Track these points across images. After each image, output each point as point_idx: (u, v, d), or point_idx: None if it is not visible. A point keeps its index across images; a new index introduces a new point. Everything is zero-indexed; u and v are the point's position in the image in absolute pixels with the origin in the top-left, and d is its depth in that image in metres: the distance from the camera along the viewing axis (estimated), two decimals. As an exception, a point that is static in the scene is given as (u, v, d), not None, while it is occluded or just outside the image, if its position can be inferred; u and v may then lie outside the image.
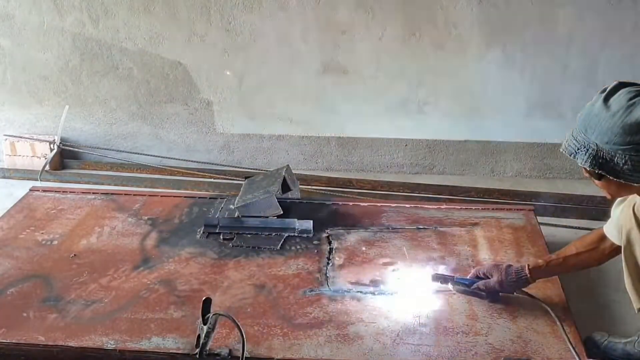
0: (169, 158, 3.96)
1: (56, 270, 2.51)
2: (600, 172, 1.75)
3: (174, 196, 3.20)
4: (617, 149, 1.70)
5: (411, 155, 3.92)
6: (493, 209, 2.96)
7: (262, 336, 2.11)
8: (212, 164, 3.96)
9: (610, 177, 1.75)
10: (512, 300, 2.25)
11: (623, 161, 1.70)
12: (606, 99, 1.73)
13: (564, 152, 1.83)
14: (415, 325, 2.15)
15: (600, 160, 1.73)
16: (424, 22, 3.57)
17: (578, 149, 1.77)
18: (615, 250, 2.08)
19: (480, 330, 2.12)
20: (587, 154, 1.75)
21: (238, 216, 2.81)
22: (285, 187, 2.89)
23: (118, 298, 2.33)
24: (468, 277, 2.30)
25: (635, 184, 1.74)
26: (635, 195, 1.89)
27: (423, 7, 3.54)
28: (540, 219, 2.91)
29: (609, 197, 1.93)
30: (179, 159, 3.95)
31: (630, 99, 1.69)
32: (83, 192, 3.19)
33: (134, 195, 3.17)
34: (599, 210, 3.25)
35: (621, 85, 1.75)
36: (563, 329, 2.09)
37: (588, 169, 1.78)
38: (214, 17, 3.70)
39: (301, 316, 2.21)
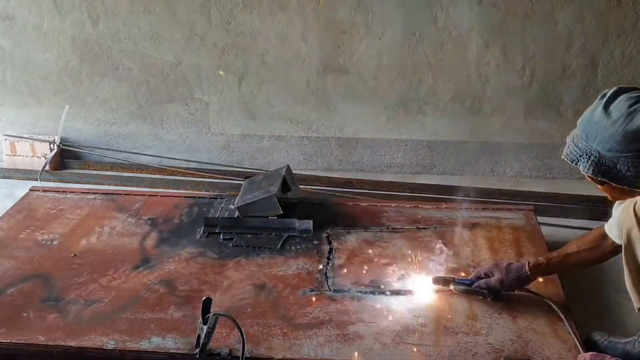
0: (169, 158, 3.96)
1: (56, 270, 2.51)
2: (603, 179, 1.75)
3: (174, 196, 3.20)
4: (620, 157, 1.69)
5: (411, 155, 3.92)
6: (493, 209, 2.96)
7: (262, 336, 2.11)
8: (212, 164, 3.97)
9: (613, 184, 1.75)
10: (512, 300, 2.25)
11: (626, 168, 1.70)
12: (606, 106, 1.73)
13: (565, 159, 1.82)
14: (415, 325, 2.15)
15: (602, 168, 1.73)
16: (424, 22, 3.57)
17: (580, 156, 1.77)
18: (616, 249, 2.09)
19: (480, 330, 2.12)
20: (589, 161, 1.75)
21: (238, 216, 2.81)
22: (285, 187, 2.89)
23: (118, 298, 2.33)
24: (469, 278, 2.31)
25: (638, 189, 1.74)
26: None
27: (423, 7, 3.54)
28: (540, 219, 2.91)
29: (611, 199, 1.94)
30: (179, 159, 3.95)
31: (631, 105, 1.69)
32: (83, 192, 3.20)
33: (134, 195, 3.17)
34: (599, 210, 3.25)
35: (621, 90, 1.75)
36: (567, 323, 2.09)
37: (591, 176, 1.78)
38: (214, 17, 3.70)
39: (301, 316, 2.21)
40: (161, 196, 3.18)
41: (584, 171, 1.78)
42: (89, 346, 2.08)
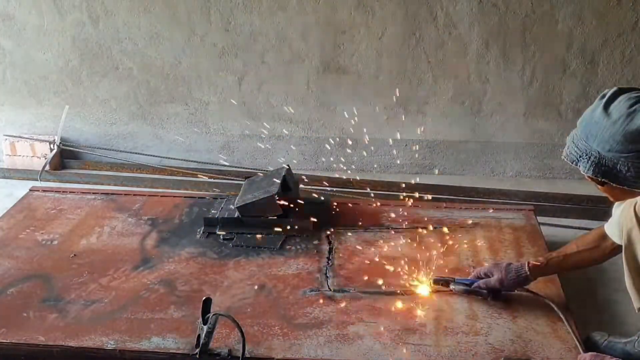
0: (169, 158, 3.96)
1: (56, 270, 2.51)
2: (603, 179, 1.75)
3: (174, 196, 3.20)
4: (620, 157, 1.70)
5: (411, 155, 3.92)
6: (493, 209, 2.96)
7: (262, 336, 2.11)
8: (212, 164, 3.97)
9: (613, 184, 1.75)
10: (512, 300, 2.25)
11: (626, 168, 1.70)
12: (606, 106, 1.73)
13: (565, 159, 1.83)
14: (415, 325, 2.15)
15: (602, 168, 1.73)
16: (424, 22, 3.57)
17: (580, 157, 1.78)
18: (616, 249, 2.09)
19: (480, 330, 2.12)
20: (589, 161, 1.75)
21: (238, 216, 2.81)
22: (285, 187, 2.88)
23: (118, 298, 2.33)
24: (469, 278, 2.31)
25: (638, 190, 1.74)
26: (636, 195, 1.89)
27: (423, 7, 3.54)
28: (540, 219, 2.91)
29: (611, 199, 1.94)
30: (179, 159, 3.95)
31: (631, 105, 1.69)
32: (83, 192, 3.19)
33: (134, 195, 3.17)
34: (599, 210, 3.25)
35: (620, 91, 1.75)
36: (567, 323, 2.09)
37: (591, 176, 1.78)
38: (213, 17, 3.70)
39: (301, 316, 2.21)
40: (161, 196, 3.18)
41: (584, 172, 1.78)
42: (89, 346, 2.08)
